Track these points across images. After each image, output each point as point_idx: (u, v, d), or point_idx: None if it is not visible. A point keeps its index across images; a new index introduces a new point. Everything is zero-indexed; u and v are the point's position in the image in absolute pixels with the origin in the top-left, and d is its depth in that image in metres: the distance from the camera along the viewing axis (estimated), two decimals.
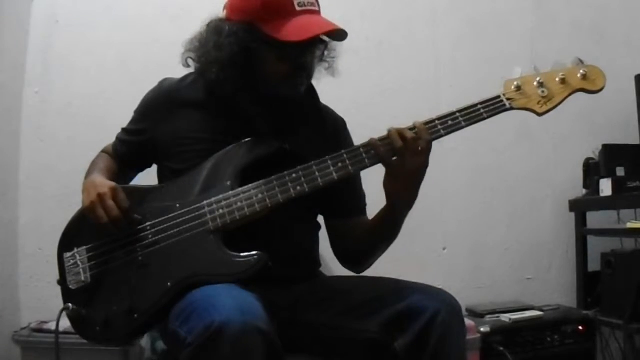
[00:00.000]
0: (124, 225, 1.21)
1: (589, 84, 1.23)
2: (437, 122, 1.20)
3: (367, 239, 1.36)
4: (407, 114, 1.21)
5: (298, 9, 1.21)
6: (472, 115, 1.21)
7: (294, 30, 1.20)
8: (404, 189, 1.21)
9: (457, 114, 1.20)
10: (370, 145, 1.19)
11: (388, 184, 1.22)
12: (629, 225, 2.10)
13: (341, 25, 1.24)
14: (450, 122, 1.20)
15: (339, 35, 1.26)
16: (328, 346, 1.23)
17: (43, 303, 1.92)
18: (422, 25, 2.38)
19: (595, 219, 2.33)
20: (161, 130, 1.34)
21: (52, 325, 1.63)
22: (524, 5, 2.48)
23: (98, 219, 1.20)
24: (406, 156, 1.16)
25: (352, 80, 2.06)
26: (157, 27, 2.09)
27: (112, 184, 1.24)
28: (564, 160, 2.44)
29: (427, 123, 1.20)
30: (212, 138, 1.30)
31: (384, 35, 2.33)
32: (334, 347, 1.23)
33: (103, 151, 1.47)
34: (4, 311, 1.88)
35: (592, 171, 2.28)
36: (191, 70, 1.35)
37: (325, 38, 1.30)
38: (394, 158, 1.18)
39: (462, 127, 1.20)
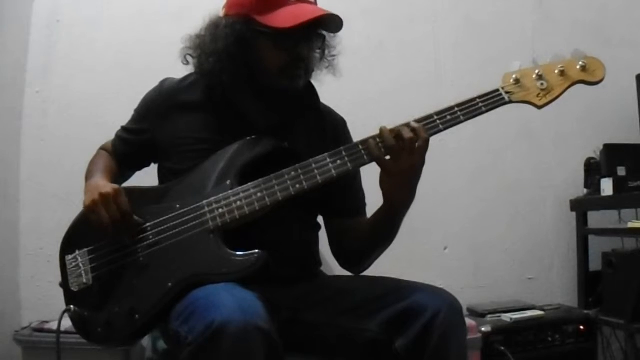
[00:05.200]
0: (123, 228, 1.20)
1: (588, 75, 1.22)
2: (435, 117, 1.19)
3: (365, 238, 1.35)
4: (408, 114, 1.20)
5: None
6: (470, 109, 1.20)
7: (286, 17, 1.21)
8: (399, 187, 1.21)
9: (456, 109, 1.20)
10: (366, 143, 1.19)
11: (383, 182, 1.21)
12: (630, 225, 2.10)
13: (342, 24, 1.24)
14: (448, 117, 1.19)
15: (334, 24, 1.26)
16: (328, 346, 1.23)
17: (44, 303, 1.92)
18: (423, 25, 2.38)
19: (597, 218, 2.33)
20: (161, 130, 1.35)
21: (53, 325, 1.63)
22: (525, 4, 2.48)
23: (99, 218, 1.19)
24: (401, 155, 1.16)
25: (353, 79, 2.04)
26: (158, 27, 2.09)
27: (115, 185, 1.24)
28: (565, 159, 2.44)
29: (425, 118, 1.19)
30: (212, 138, 1.30)
31: (384, 34, 2.34)
32: (335, 347, 1.22)
33: (102, 148, 1.47)
34: (5, 311, 1.88)
35: (593, 171, 2.28)
36: (190, 67, 1.36)
37: (323, 32, 1.30)
38: (388, 157, 1.17)
39: (461, 122, 1.20)
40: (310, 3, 1.27)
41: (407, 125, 1.17)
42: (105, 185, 1.24)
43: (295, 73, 1.28)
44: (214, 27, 1.28)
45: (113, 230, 1.20)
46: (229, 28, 1.25)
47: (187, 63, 1.35)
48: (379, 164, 1.19)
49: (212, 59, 1.26)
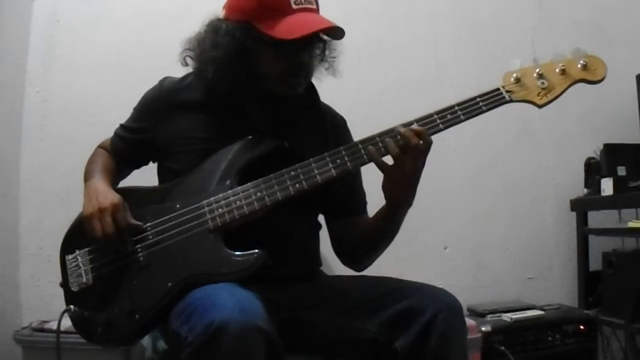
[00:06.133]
0: (116, 242, 1.21)
1: (589, 74, 1.22)
2: (435, 116, 1.19)
3: (367, 237, 1.35)
4: (408, 113, 1.20)
5: (294, 6, 1.21)
6: (471, 108, 1.20)
7: (289, 28, 1.19)
8: (403, 190, 1.21)
9: (456, 108, 1.20)
10: (368, 142, 1.19)
11: (386, 187, 1.21)
12: (630, 224, 2.09)
13: (342, 24, 1.23)
14: (449, 116, 1.19)
15: (336, 33, 1.25)
16: (328, 345, 1.23)
17: (44, 302, 1.92)
18: (423, 25, 2.38)
19: (597, 218, 2.33)
20: (161, 129, 1.35)
21: (53, 325, 1.63)
22: (525, 4, 2.48)
23: (93, 231, 1.20)
24: (405, 162, 1.16)
25: (353, 79, 2.05)
26: (158, 27, 2.09)
27: (115, 198, 1.23)
28: (565, 159, 2.43)
29: (425, 117, 1.19)
30: (212, 138, 1.30)
31: (385, 34, 2.33)
32: (335, 347, 1.23)
33: (100, 146, 1.47)
34: (5, 310, 1.88)
35: (593, 170, 2.27)
36: (190, 69, 1.35)
37: (324, 37, 1.30)
38: (392, 164, 1.17)
39: (461, 121, 1.19)
40: (312, 10, 1.25)
41: (410, 128, 1.16)
42: (104, 196, 1.23)
43: (295, 80, 1.28)
44: (214, 33, 1.26)
45: (105, 243, 1.20)
46: (229, 35, 1.23)
47: (187, 65, 1.35)
48: (382, 171, 1.18)
49: (211, 67, 1.26)
